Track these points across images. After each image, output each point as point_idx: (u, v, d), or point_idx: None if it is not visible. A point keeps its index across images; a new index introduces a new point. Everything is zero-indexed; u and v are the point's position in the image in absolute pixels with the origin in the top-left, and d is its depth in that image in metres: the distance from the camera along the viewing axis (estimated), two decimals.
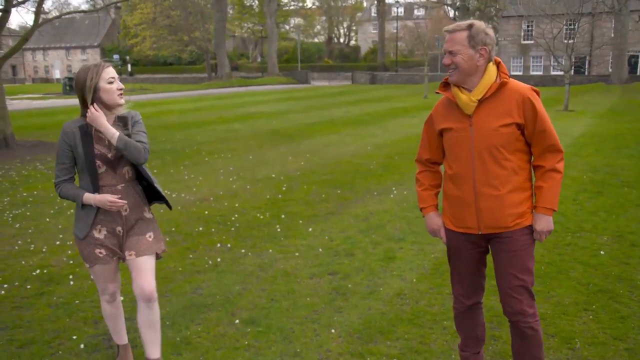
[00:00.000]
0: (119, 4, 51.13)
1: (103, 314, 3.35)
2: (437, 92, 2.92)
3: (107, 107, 3.00)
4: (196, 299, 4.43)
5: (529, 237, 2.82)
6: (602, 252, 5.30)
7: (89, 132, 2.99)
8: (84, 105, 2.98)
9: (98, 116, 2.93)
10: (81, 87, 2.95)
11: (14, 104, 28.22)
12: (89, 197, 2.96)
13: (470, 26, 2.72)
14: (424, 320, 4.00)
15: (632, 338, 3.69)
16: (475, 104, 2.74)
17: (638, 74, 43.57)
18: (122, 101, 3.03)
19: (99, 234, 3.06)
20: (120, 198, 3.00)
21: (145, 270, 3.09)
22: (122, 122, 3.09)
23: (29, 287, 4.75)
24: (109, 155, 3.01)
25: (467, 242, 2.91)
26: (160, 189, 3.23)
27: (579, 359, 3.45)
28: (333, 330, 3.86)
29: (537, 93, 2.80)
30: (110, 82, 2.97)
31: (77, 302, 4.43)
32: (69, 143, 2.97)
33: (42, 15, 12.68)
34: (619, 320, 3.95)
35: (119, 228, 3.08)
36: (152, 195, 3.27)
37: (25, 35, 12.70)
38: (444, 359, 3.47)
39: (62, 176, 3.03)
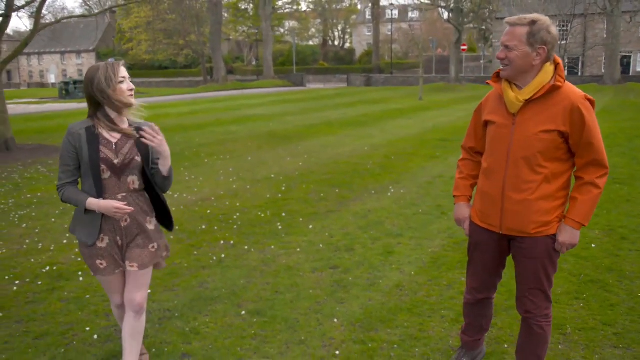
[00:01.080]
0: (114, 9, 51.28)
1: (115, 316, 3.35)
2: (487, 83, 2.85)
3: (117, 109, 2.89)
4: (203, 292, 4.59)
5: (551, 247, 2.75)
6: (593, 245, 5.49)
7: (95, 134, 2.86)
8: (94, 106, 2.89)
9: (163, 141, 2.89)
10: (94, 87, 2.82)
11: (11, 108, 28.28)
12: (93, 202, 2.83)
13: (533, 22, 2.58)
14: (423, 310, 4.17)
15: (620, 324, 3.88)
16: (522, 103, 2.65)
17: (631, 74, 43.98)
18: (134, 101, 2.92)
19: (102, 242, 2.95)
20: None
21: (141, 285, 3.06)
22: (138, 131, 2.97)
23: (39, 283, 4.91)
24: (115, 161, 2.88)
25: (489, 238, 2.89)
26: (167, 205, 3.15)
27: (570, 343, 3.63)
28: (336, 320, 4.04)
29: (592, 103, 2.66)
30: (121, 82, 2.85)
31: (87, 296, 4.59)
32: (74, 144, 2.84)
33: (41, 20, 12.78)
34: (608, 307, 4.14)
35: (118, 238, 2.98)
36: (158, 209, 3.15)
37: (25, 40, 12.84)
38: (442, 345, 3.64)
39: (65, 179, 2.90)
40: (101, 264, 2.97)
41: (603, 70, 38.84)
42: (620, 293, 4.39)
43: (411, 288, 4.59)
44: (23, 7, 12.53)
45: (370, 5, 69.07)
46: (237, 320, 4.08)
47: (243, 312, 4.20)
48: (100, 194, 2.87)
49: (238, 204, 7.58)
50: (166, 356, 3.58)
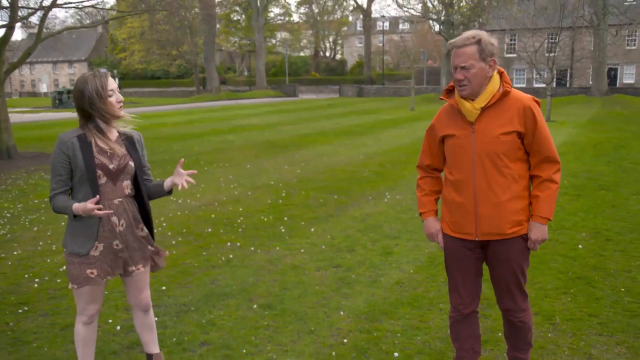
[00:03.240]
0: (106, 17, 51.52)
1: (75, 338, 3.16)
2: (441, 99, 3.00)
3: (107, 120, 2.93)
4: (215, 289, 4.88)
5: (525, 245, 2.89)
6: (580, 246, 5.83)
7: (89, 142, 2.88)
8: (84, 116, 2.91)
9: (181, 172, 3.02)
10: (84, 99, 2.85)
11: None
12: (76, 206, 2.81)
13: (478, 40, 2.74)
14: (422, 303, 4.49)
15: (604, 315, 4.21)
16: (479, 111, 2.79)
17: (618, 86, 44.77)
18: (123, 113, 2.96)
19: (95, 251, 2.93)
20: (115, 212, 2.94)
21: (144, 285, 3.20)
22: (128, 141, 3.04)
23: (58, 280, 5.17)
24: (111, 167, 2.91)
25: (464, 248, 2.95)
26: (151, 215, 3.18)
27: (559, 332, 3.95)
28: (342, 313, 4.34)
29: (539, 104, 2.85)
30: (110, 95, 2.88)
31: (106, 292, 4.86)
32: (67, 154, 2.84)
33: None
34: (594, 301, 4.47)
35: (117, 242, 2.98)
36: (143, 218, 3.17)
37: (29, 50, 13.13)
38: (442, 334, 3.95)
39: (57, 189, 2.89)
40: (92, 272, 2.94)
41: (591, 82, 39.57)
42: (605, 288, 4.72)
43: (410, 284, 4.90)
44: (26, 17, 12.83)
45: (361, 17, 69.79)
46: (249, 313, 4.37)
47: (255, 306, 4.49)
48: (97, 201, 2.84)
49: (241, 209, 7.87)
50: (186, 344, 3.87)
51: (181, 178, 3.02)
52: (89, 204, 2.75)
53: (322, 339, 3.92)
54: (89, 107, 2.85)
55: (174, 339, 3.94)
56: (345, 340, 3.88)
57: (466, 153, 2.83)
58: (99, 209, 2.78)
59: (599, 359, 3.58)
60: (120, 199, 2.97)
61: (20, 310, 4.49)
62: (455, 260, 3.01)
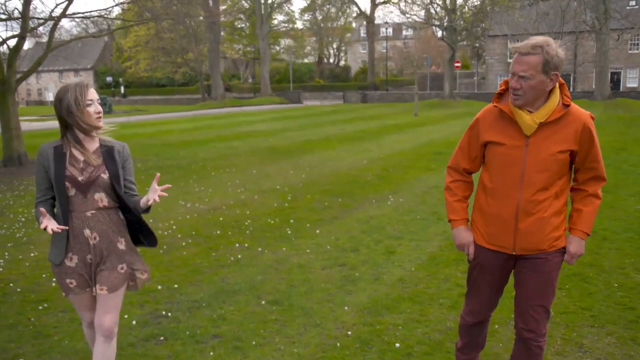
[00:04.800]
0: (112, 27, 52.06)
1: (85, 336, 3.27)
2: (494, 106, 2.78)
3: (85, 131, 2.88)
4: (225, 287, 5.11)
5: (560, 259, 2.79)
6: None
7: (63, 153, 2.86)
8: (63, 126, 2.89)
9: (156, 188, 2.90)
10: (62, 108, 2.83)
11: None
12: (40, 219, 2.79)
13: (546, 51, 2.55)
14: (423, 299, 4.70)
15: (597, 308, 4.41)
16: (537, 125, 2.64)
17: (621, 89, 44.94)
18: (101, 124, 2.91)
19: (70, 262, 2.91)
20: (87, 225, 2.88)
21: (110, 308, 2.97)
22: (107, 152, 2.95)
23: None
24: (80, 179, 2.85)
25: (497, 259, 2.84)
26: (144, 220, 3.11)
27: (553, 324, 4.15)
28: (346, 308, 4.55)
29: (593, 119, 2.74)
30: (89, 105, 2.84)
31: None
32: (43, 164, 2.85)
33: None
34: (587, 295, 4.68)
35: (90, 256, 2.92)
36: (137, 228, 3.11)
37: (39, 59, 13.43)
38: (441, 326, 4.16)
39: (38, 197, 2.92)
40: (71, 282, 2.93)
41: (594, 87, 39.75)
42: (599, 284, 4.93)
43: (412, 281, 5.12)
44: (37, 27, 13.13)
45: (364, 23, 70.20)
46: (258, 309, 4.59)
47: (263, 302, 4.71)
48: (66, 211, 2.86)
49: (248, 212, 8.10)
50: (199, 337, 4.09)
51: (154, 193, 2.88)
52: (42, 219, 2.75)
53: (327, 331, 4.14)
54: (66, 115, 2.82)
55: (187, 332, 4.16)
56: (349, 333, 4.09)
57: (516, 165, 2.69)
58: (44, 224, 2.74)
59: (589, 348, 3.78)
60: (93, 211, 2.89)
61: (40, 307, 4.73)
62: (486, 273, 2.89)
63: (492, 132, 2.77)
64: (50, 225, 2.74)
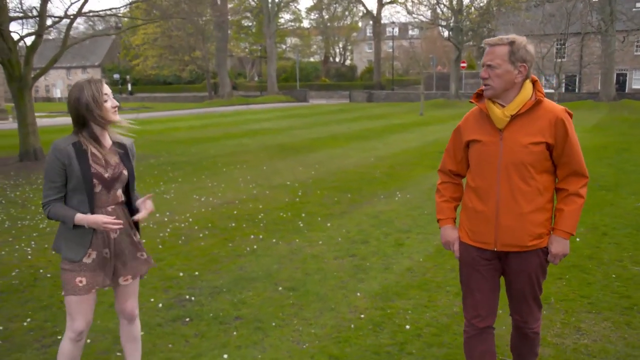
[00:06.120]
0: (119, 24, 52.45)
1: (59, 355, 3.06)
2: (470, 102, 2.91)
3: (102, 126, 2.95)
4: (243, 274, 5.41)
5: (544, 258, 2.82)
6: (577, 239, 6.30)
7: (84, 150, 2.89)
8: (78, 124, 2.92)
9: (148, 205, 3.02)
10: (81, 105, 2.87)
11: None
12: (81, 217, 2.82)
13: (512, 42, 2.68)
14: (431, 286, 4.99)
15: (594, 296, 4.69)
16: (509, 119, 2.71)
17: (626, 91, 45.06)
18: (118, 118, 2.98)
19: (88, 258, 2.93)
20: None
21: (130, 294, 3.17)
22: (122, 149, 3.06)
23: None
24: (106, 175, 2.93)
25: (481, 257, 2.88)
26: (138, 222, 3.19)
27: (553, 310, 4.44)
28: (358, 294, 4.85)
29: (571, 115, 2.77)
30: (105, 100, 2.91)
31: (146, 277, 5.38)
32: (63, 161, 2.83)
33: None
34: (586, 285, 4.96)
35: (107, 250, 2.98)
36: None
37: (55, 56, 13.76)
38: (448, 311, 4.45)
39: (51, 195, 2.87)
40: (80, 281, 2.92)
41: (599, 88, 39.90)
42: (597, 274, 5.20)
43: (420, 270, 5.40)
44: (53, 25, 13.46)
45: (371, 23, 70.41)
46: (275, 294, 4.88)
47: (280, 288, 5.01)
48: (92, 208, 2.89)
49: (260, 206, 8.40)
50: (222, 318, 4.39)
51: (146, 209, 3.04)
52: (103, 218, 2.80)
53: (341, 314, 4.43)
54: (85, 112, 2.86)
55: (211, 314, 4.46)
56: (362, 316, 4.39)
57: (492, 161, 2.76)
58: (107, 223, 2.80)
59: (586, 331, 4.06)
60: (113, 206, 2.99)
61: None
62: (472, 269, 2.93)
63: (472, 132, 2.87)
64: (107, 220, 2.80)
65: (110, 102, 2.91)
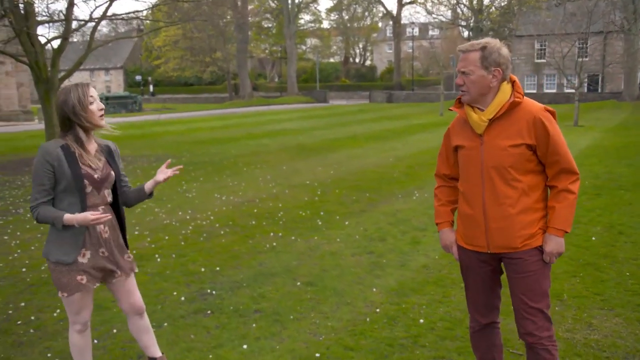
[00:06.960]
0: (142, 27, 53.22)
1: (71, 348, 3.25)
2: (450, 110, 2.97)
3: (87, 130, 3.00)
4: (263, 270, 5.57)
5: (540, 258, 2.79)
6: (593, 238, 6.36)
7: (72, 152, 2.94)
8: (64, 127, 2.97)
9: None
10: (67, 106, 2.92)
11: None
12: (70, 217, 2.87)
13: (483, 47, 2.69)
14: (446, 283, 5.10)
15: (608, 293, 4.76)
16: (486, 123, 2.73)
17: None
18: (104, 122, 3.02)
19: (83, 258, 2.99)
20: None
21: (132, 289, 3.26)
22: (107, 152, 3.13)
23: None
24: (96, 176, 2.99)
25: (478, 260, 2.91)
26: (125, 222, 3.28)
27: (565, 306, 4.52)
28: (374, 289, 4.98)
29: (553, 114, 2.75)
30: (91, 103, 2.96)
31: (167, 272, 5.59)
32: (52, 163, 2.88)
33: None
34: (599, 282, 5.02)
35: (103, 249, 3.06)
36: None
37: (80, 59, 14.11)
38: (462, 306, 4.56)
39: (40, 198, 2.91)
40: (82, 279, 2.99)
41: (622, 87, 39.41)
42: (611, 272, 5.26)
43: (435, 267, 5.52)
44: (79, 28, 13.79)
45: (390, 23, 70.36)
46: (294, 289, 5.04)
47: (298, 283, 5.16)
48: (83, 208, 2.95)
49: (280, 205, 8.57)
50: (242, 311, 4.56)
51: (165, 174, 3.19)
52: (90, 215, 2.86)
53: (357, 309, 4.57)
54: (72, 115, 2.91)
55: (231, 307, 4.63)
56: (377, 310, 4.52)
57: (475, 165, 2.80)
58: (95, 218, 2.87)
59: (597, 327, 4.14)
60: (103, 207, 3.05)
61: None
62: (469, 272, 2.99)
63: (457, 137, 2.92)
64: (94, 216, 2.86)
65: (96, 105, 2.97)
